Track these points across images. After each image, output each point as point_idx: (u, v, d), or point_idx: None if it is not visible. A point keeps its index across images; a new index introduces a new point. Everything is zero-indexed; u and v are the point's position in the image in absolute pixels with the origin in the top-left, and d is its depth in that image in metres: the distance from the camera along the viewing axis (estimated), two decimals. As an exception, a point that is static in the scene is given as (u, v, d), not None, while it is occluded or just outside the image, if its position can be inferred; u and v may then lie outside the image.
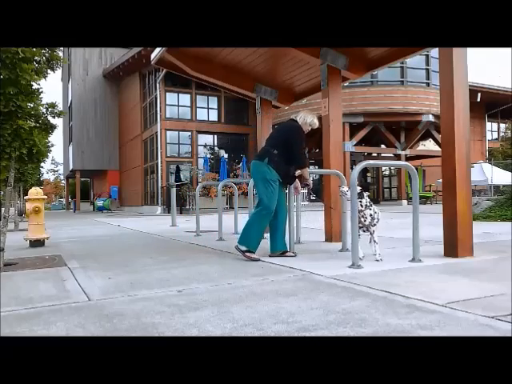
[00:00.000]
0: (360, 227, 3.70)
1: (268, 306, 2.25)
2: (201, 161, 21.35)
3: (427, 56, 19.40)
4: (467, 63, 3.85)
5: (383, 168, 26.24)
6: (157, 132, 20.74)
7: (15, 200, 10.23)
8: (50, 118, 3.90)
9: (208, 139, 22.45)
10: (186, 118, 21.52)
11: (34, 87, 3.67)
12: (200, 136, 21.81)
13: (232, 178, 17.43)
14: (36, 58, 3.60)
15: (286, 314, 2.10)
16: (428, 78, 19.73)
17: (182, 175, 20.25)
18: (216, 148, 22.53)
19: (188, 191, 17.22)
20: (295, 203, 4.99)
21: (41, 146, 3.72)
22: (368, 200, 3.81)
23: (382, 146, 22.59)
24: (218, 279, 3.06)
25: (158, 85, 20.61)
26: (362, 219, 3.74)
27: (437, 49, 6.42)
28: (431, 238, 5.01)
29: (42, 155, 3.84)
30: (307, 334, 1.79)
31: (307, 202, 18.23)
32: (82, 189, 32.21)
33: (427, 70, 19.73)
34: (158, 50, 6.44)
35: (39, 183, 18.59)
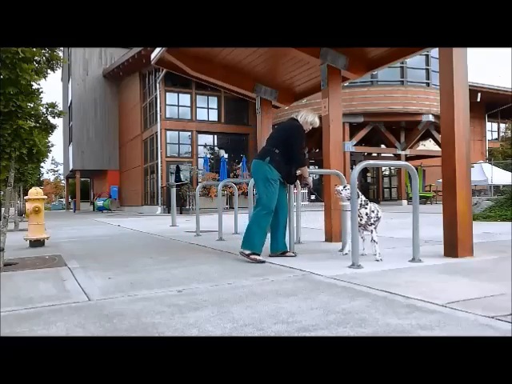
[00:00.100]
0: (358, 226, 3.70)
1: (268, 306, 2.25)
2: (201, 161, 21.35)
3: (427, 56, 19.39)
4: (467, 63, 3.85)
5: (383, 168, 26.22)
6: (157, 132, 20.74)
7: (15, 200, 10.23)
8: (50, 118, 3.90)
9: (208, 139, 22.45)
10: (186, 118, 21.52)
11: (34, 87, 3.67)
12: (200, 136, 21.81)
13: (232, 178, 17.43)
14: (36, 58, 3.59)
15: (286, 313, 2.10)
16: (428, 78, 19.72)
17: (181, 175, 20.24)
18: (216, 148, 22.53)
19: (188, 191, 17.21)
20: (295, 203, 4.98)
21: (41, 146, 3.72)
22: (363, 199, 3.82)
23: (382, 146, 22.58)
24: (218, 279, 3.06)
25: (157, 85, 20.61)
26: (358, 218, 3.74)
27: (437, 49, 6.42)
28: (431, 237, 5.01)
29: (42, 155, 3.84)
30: (307, 334, 1.79)
31: (307, 202, 18.23)
32: (82, 189, 32.22)
33: (427, 70, 19.71)
34: (157, 50, 6.45)
35: (39, 183, 18.58)
